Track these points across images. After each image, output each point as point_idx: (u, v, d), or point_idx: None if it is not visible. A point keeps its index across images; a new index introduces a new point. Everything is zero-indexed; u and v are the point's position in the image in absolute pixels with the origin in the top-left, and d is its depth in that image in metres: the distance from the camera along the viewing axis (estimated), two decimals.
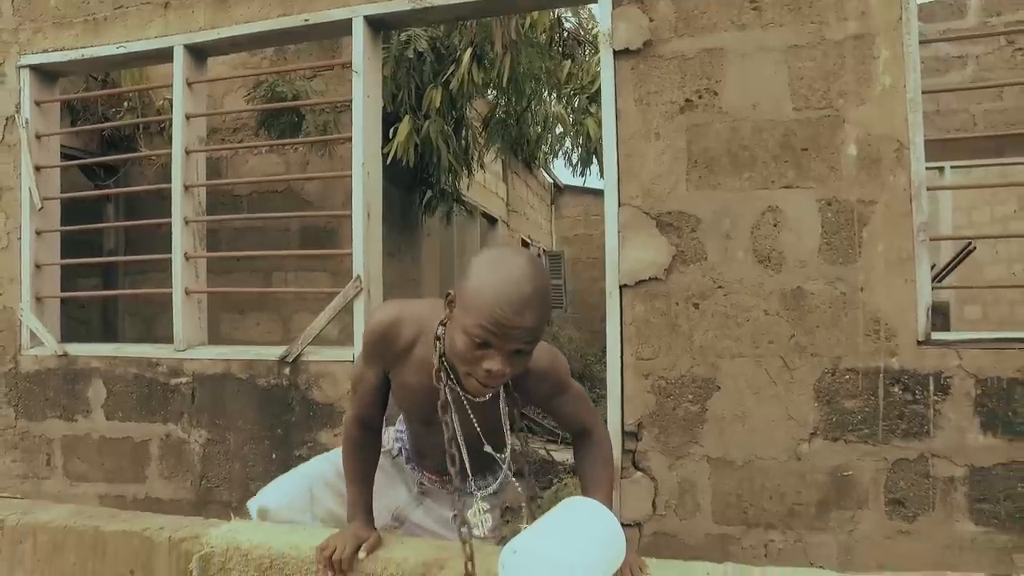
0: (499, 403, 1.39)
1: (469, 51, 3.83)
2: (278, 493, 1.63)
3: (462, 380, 1.24)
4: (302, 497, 1.62)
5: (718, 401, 2.12)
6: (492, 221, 8.01)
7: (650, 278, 2.18)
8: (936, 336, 2.00)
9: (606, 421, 2.22)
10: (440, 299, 1.38)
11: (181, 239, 2.61)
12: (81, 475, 2.76)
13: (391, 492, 1.66)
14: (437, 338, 1.29)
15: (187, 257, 2.62)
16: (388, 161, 4.02)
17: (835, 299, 2.04)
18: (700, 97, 2.16)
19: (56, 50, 2.81)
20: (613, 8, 2.20)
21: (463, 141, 4.74)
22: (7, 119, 2.88)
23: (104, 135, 4.19)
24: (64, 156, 3.67)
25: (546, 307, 1.17)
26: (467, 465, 1.43)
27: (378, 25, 2.45)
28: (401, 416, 1.67)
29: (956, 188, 4.73)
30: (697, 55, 2.16)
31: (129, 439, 2.70)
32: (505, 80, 3.84)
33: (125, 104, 4.11)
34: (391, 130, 3.98)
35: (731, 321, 2.12)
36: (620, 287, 2.20)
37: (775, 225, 2.09)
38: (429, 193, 4.94)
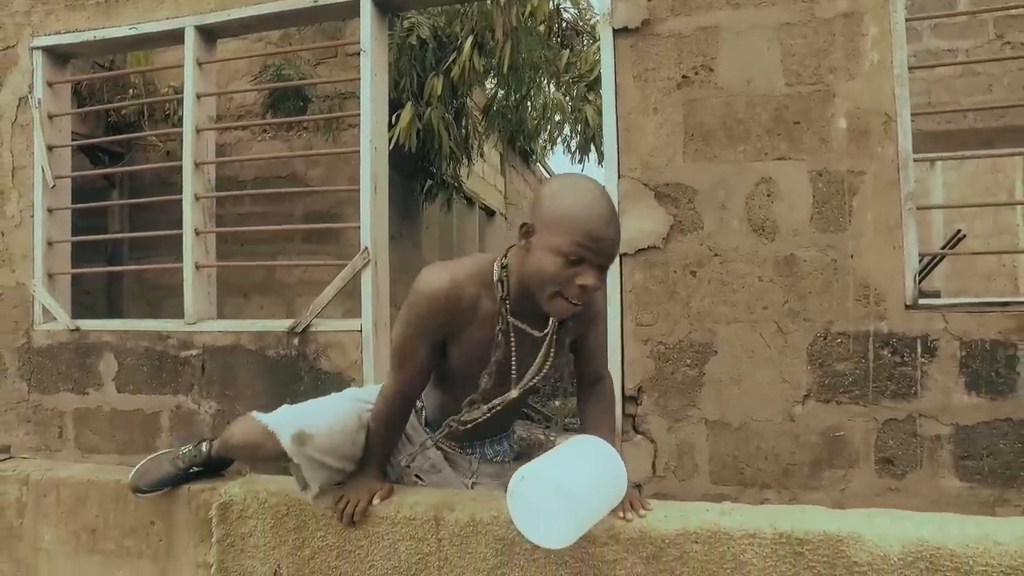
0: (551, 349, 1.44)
1: (471, 39, 3.91)
2: (323, 419, 1.53)
3: (547, 304, 1.27)
4: (351, 423, 1.54)
5: (715, 365, 2.20)
6: (490, 213, 8.09)
7: (649, 247, 2.26)
8: (923, 301, 2.08)
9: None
10: (477, 256, 1.45)
11: (192, 215, 2.68)
12: (93, 447, 2.82)
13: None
14: (499, 280, 1.35)
15: (197, 233, 2.69)
16: (390, 147, 4.10)
17: (826, 266, 2.12)
18: (696, 73, 2.24)
19: (68, 32, 2.88)
20: None
21: (463, 130, 4.83)
22: (20, 99, 2.94)
23: (109, 122, 4.26)
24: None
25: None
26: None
27: (385, 6, 2.52)
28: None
29: (944, 158, 4.83)
30: (693, 33, 2.24)
31: (140, 411, 2.77)
32: (505, 67, 3.92)
33: (131, 91, 4.18)
34: (393, 116, 4.06)
35: (727, 288, 2.20)
36: (620, 256, 2.28)
37: (768, 195, 2.17)
38: (430, 182, 5.02)
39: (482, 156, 5.51)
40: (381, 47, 2.56)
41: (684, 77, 2.25)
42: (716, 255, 2.21)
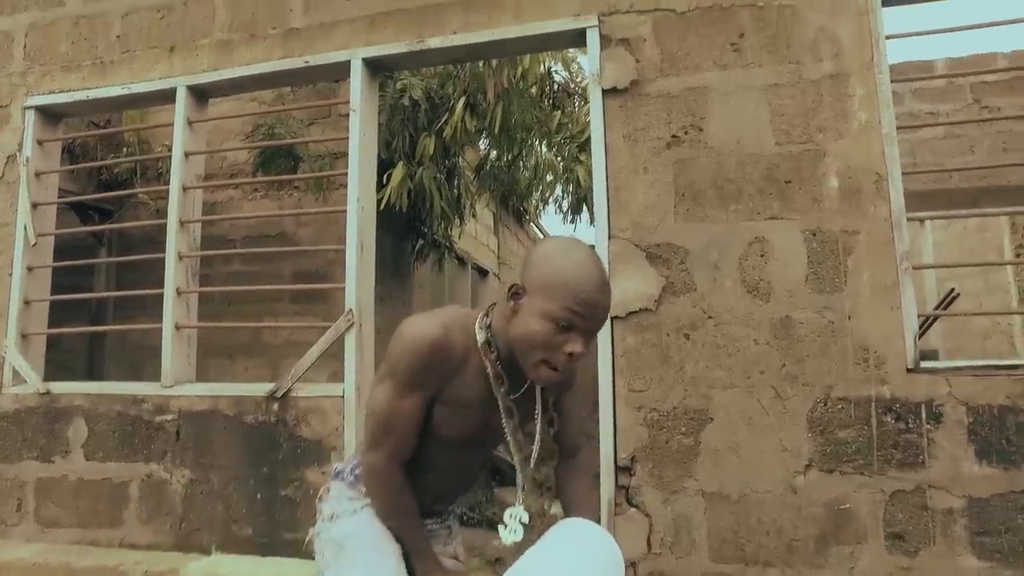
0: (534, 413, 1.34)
1: (463, 100, 3.96)
2: None
3: (532, 370, 1.20)
4: None
5: (711, 433, 2.10)
6: (483, 273, 8.06)
7: (641, 309, 2.20)
8: (925, 364, 2.01)
9: (599, 455, 2.18)
10: (454, 307, 1.36)
11: (174, 273, 2.61)
12: (54, 521, 2.65)
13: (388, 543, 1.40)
14: (487, 341, 1.26)
15: (179, 292, 2.62)
16: (381, 207, 4.09)
17: (823, 328, 2.06)
18: (686, 133, 2.24)
19: (62, 91, 2.88)
20: (601, 50, 2.30)
21: (455, 190, 4.84)
22: (8, 157, 2.92)
23: (101, 180, 4.25)
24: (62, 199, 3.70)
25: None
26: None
27: (375, 67, 2.54)
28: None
29: (936, 217, 4.86)
30: (682, 93, 2.25)
31: (108, 480, 2.61)
32: (497, 128, 3.95)
33: (124, 150, 4.19)
34: (384, 176, 4.07)
35: (722, 351, 2.12)
36: (611, 319, 2.22)
37: (762, 255, 2.13)
38: (421, 241, 4.99)
39: (474, 216, 5.52)
40: (371, 107, 2.56)
41: (674, 136, 2.24)
42: (710, 317, 2.14)
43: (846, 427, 2.02)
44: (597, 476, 1.50)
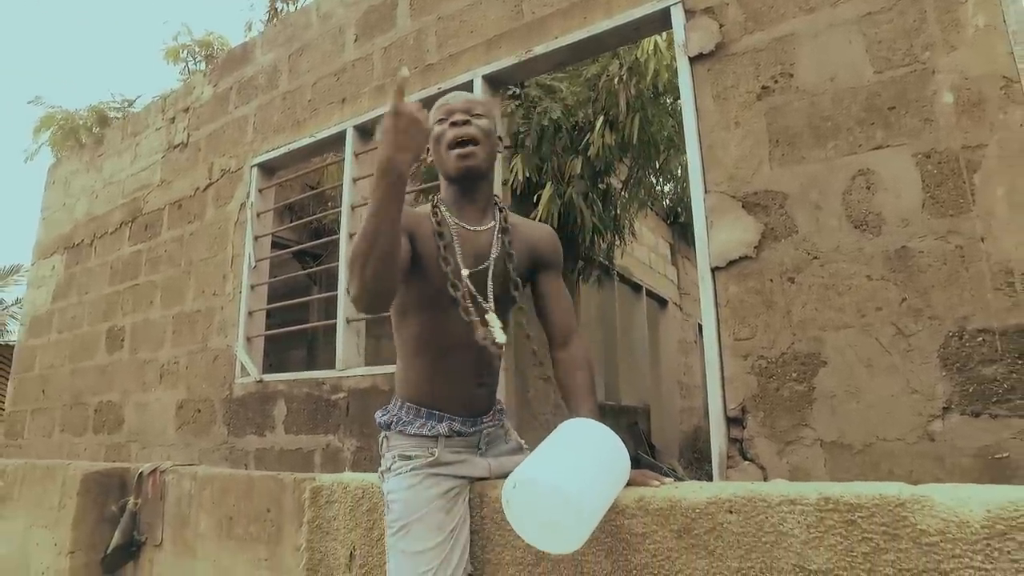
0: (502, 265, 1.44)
1: (601, 117, 4.20)
2: None
3: (452, 164, 1.46)
4: None
5: (826, 378, 1.95)
6: (662, 302, 7.96)
7: (741, 257, 2.16)
8: None
9: (707, 412, 2.13)
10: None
11: (344, 277, 3.16)
12: None
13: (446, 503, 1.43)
14: (435, 206, 1.48)
15: (348, 292, 3.15)
16: None
17: (949, 254, 1.84)
18: (776, 82, 2.21)
19: (272, 149, 3.73)
20: (686, 22, 2.40)
21: (613, 211, 5.03)
22: (240, 205, 3.82)
23: (312, 227, 5.23)
24: (281, 246, 4.64)
25: (483, 103, 1.56)
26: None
27: (493, 81, 2.91)
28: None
29: None
30: (768, 45, 2.24)
31: (300, 450, 3.17)
32: (635, 138, 4.10)
33: (329, 204, 5.11)
34: (535, 197, 4.42)
35: (831, 291, 1.99)
36: (712, 270, 2.21)
37: (868, 188, 1.99)
38: (581, 262, 5.22)
39: (634, 235, 5.60)
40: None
41: (764, 88, 2.23)
42: (815, 258, 2.03)
43: (992, 362, 1.75)
44: (589, 369, 1.53)
